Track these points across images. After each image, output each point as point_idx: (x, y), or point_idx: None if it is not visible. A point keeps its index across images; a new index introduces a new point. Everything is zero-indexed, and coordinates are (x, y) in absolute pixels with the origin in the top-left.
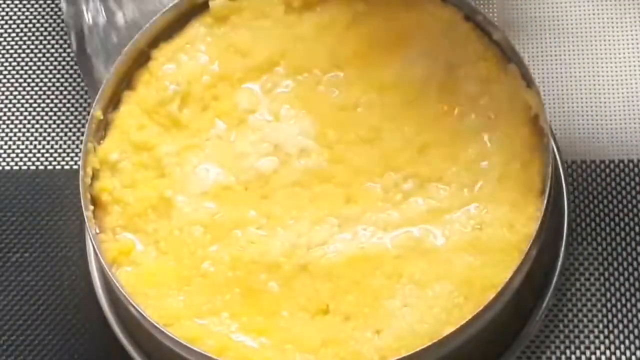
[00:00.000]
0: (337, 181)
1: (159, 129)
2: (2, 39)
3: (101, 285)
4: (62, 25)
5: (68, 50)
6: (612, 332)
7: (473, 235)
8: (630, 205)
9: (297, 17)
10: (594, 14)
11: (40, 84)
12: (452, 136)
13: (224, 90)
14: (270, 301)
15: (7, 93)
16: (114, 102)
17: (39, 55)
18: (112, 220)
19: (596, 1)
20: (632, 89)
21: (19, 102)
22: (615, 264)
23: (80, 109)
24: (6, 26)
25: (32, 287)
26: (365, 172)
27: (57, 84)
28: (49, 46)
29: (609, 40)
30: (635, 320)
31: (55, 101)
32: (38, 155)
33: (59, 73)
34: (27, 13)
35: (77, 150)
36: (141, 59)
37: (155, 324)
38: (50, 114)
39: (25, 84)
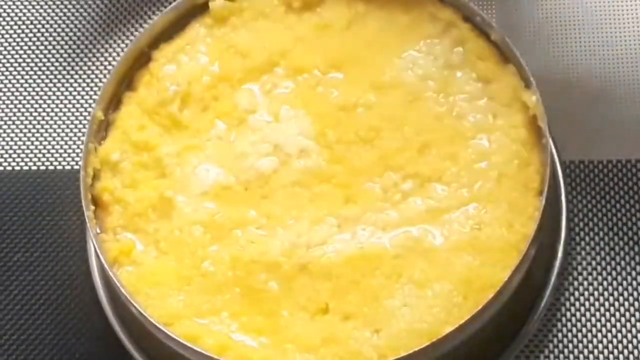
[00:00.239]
0: (337, 181)
1: (159, 129)
2: (3, 40)
3: (102, 284)
4: (62, 25)
5: (69, 50)
6: (610, 331)
7: (472, 235)
8: (628, 205)
9: (297, 18)
10: (592, 14)
11: (42, 85)
12: (451, 136)
13: (224, 91)
14: (270, 301)
15: (8, 94)
16: (114, 103)
17: (40, 56)
18: (112, 220)
19: (595, 1)
20: (631, 89)
21: (20, 103)
22: (613, 264)
23: (81, 110)
24: (7, 27)
25: (33, 287)
26: (365, 172)
27: (58, 85)
28: (50, 47)
29: (608, 40)
30: (633, 320)
31: (57, 102)
32: (39, 155)
33: (59, 74)
34: (28, 14)
35: (78, 151)
36: (141, 59)
37: (156, 324)
38: (52, 114)
39: (26, 85)
